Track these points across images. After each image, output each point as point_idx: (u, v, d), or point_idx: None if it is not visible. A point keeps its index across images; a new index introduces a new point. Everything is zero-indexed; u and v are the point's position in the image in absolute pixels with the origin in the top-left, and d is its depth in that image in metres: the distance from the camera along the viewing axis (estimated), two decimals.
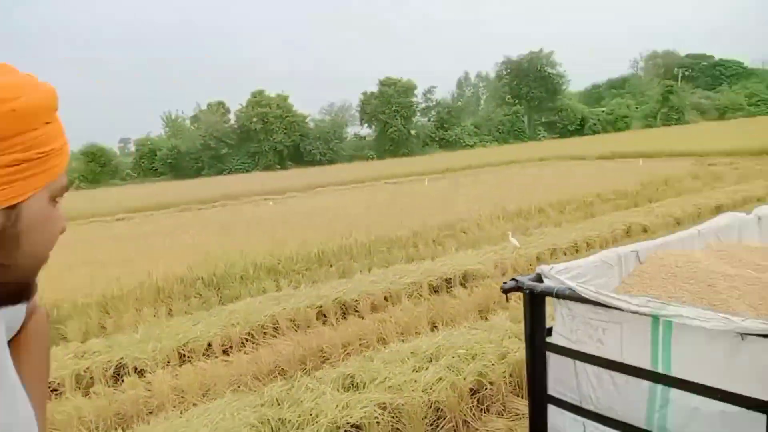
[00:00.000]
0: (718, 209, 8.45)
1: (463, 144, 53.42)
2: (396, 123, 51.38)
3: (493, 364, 3.46)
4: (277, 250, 7.74)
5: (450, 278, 5.97)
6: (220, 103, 54.71)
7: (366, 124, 55.35)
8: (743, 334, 1.49)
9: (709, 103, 60.41)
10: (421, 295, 5.66)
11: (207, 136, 48.74)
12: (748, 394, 1.51)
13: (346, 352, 4.37)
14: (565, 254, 6.70)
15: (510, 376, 3.42)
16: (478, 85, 69.58)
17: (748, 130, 28.23)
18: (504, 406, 3.30)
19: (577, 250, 6.86)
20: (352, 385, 3.41)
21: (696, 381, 1.64)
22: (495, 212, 9.74)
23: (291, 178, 27.83)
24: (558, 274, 2.16)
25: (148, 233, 12.02)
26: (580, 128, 57.52)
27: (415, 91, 54.44)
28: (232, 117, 53.13)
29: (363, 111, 54.10)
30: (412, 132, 53.94)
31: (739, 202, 8.81)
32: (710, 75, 69.85)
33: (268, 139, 48.54)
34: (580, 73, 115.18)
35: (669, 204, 9.15)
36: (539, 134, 57.23)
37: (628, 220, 8.01)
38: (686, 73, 69.58)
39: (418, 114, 56.23)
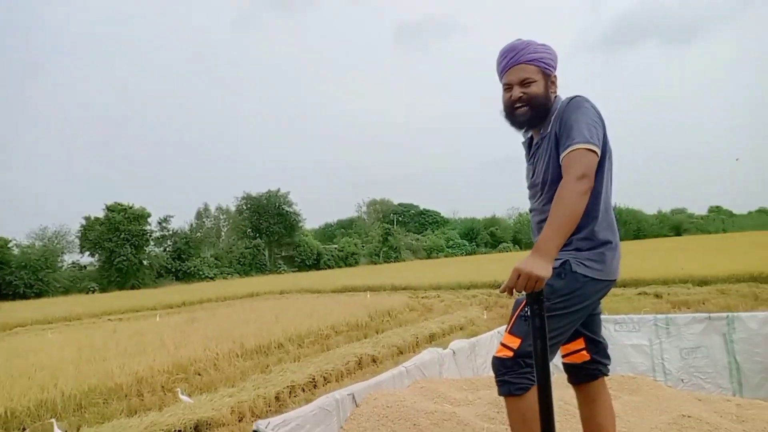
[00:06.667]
0: (431, 337, 9.67)
1: (203, 276, 51.46)
2: (125, 252, 46.98)
3: None
4: None
5: (180, 431, 5.33)
6: None
7: (87, 253, 49.23)
8: None
9: (418, 244, 71.87)
10: None
11: None
12: None
13: None
14: (303, 390, 6.68)
15: None
16: (219, 217, 69.61)
17: (449, 267, 34.12)
18: None
19: (315, 386, 6.91)
20: None
21: None
22: (234, 349, 9.32)
23: None
24: (276, 429, 2.18)
25: None
26: (317, 263, 61.58)
27: (149, 219, 51.41)
28: None
29: (84, 237, 48.29)
30: (145, 262, 49.84)
31: (447, 331, 10.23)
32: (417, 221, 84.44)
33: None
34: (313, 212, 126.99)
35: (392, 334, 10.05)
36: (280, 267, 59.06)
37: (359, 351, 8.48)
38: (399, 218, 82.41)
39: (152, 243, 52.70)
